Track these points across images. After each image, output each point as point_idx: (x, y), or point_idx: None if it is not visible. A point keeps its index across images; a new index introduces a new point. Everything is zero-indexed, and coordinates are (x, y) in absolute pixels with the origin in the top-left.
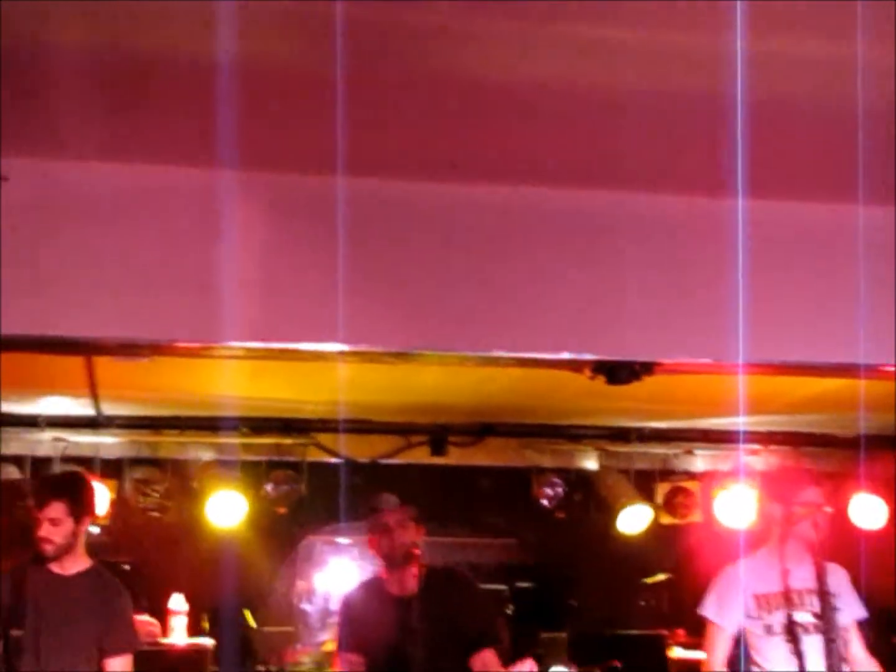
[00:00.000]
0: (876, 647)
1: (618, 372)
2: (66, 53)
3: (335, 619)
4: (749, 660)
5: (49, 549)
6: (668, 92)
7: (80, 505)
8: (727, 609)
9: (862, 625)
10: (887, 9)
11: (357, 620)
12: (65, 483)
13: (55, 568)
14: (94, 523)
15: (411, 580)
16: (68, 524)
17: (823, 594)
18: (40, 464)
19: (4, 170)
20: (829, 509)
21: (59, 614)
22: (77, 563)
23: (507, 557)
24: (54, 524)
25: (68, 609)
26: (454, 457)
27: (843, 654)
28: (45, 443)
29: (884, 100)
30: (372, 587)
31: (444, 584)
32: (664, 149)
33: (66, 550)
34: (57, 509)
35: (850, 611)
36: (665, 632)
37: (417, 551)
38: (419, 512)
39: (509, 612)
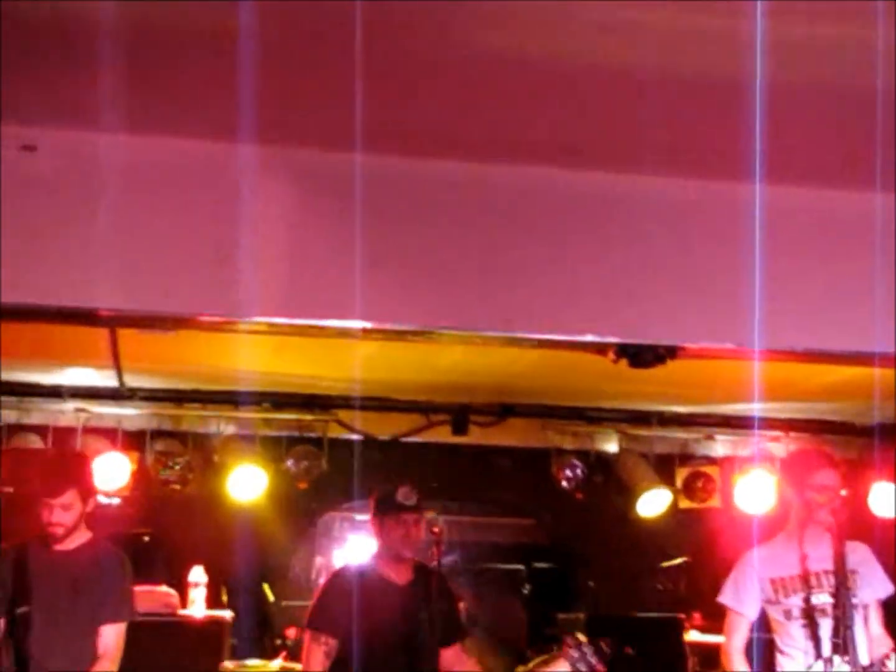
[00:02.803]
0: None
1: (641, 355)
2: (91, 26)
3: None
4: (771, 644)
5: (60, 532)
6: (689, 74)
7: (87, 487)
8: (745, 595)
9: (886, 602)
10: None
11: (345, 600)
12: (74, 468)
13: (56, 544)
14: (106, 496)
15: (408, 570)
16: (77, 508)
17: (840, 574)
18: (63, 434)
19: (33, 140)
20: (844, 492)
21: (63, 588)
22: (78, 538)
23: (526, 538)
24: (65, 509)
25: (71, 582)
26: (475, 436)
27: (855, 635)
28: (67, 413)
29: None
30: (366, 567)
31: (430, 579)
32: (686, 131)
33: (72, 531)
34: (69, 496)
35: (873, 588)
36: (682, 615)
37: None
38: (440, 493)
39: (526, 591)
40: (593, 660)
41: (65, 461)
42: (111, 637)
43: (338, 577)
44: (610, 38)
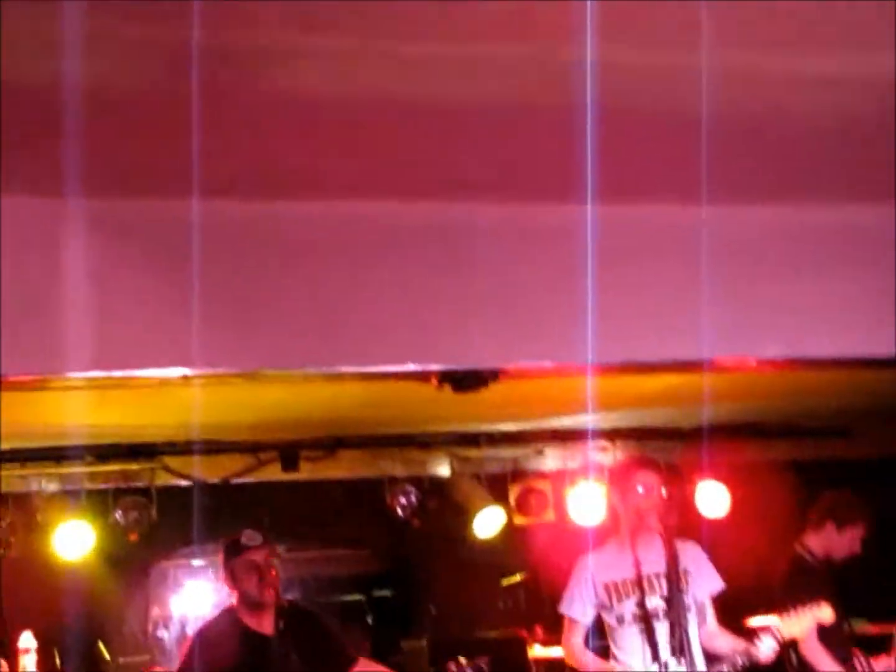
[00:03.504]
0: (729, 628)
1: (464, 381)
2: None
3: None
4: (607, 651)
5: None
6: (505, 101)
7: None
8: (579, 601)
9: (718, 598)
10: (728, 18)
11: (214, 657)
12: None
13: None
14: None
15: (269, 616)
16: None
17: (672, 576)
18: None
19: None
20: (665, 492)
21: None
22: None
23: (365, 568)
24: None
25: None
26: (306, 471)
27: (690, 636)
28: None
29: (725, 104)
30: (230, 622)
31: (298, 619)
32: (508, 155)
33: None
34: None
35: (706, 585)
36: (524, 632)
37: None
38: (275, 531)
39: (369, 621)
40: None
41: None
42: None
43: (200, 637)
44: (426, 70)
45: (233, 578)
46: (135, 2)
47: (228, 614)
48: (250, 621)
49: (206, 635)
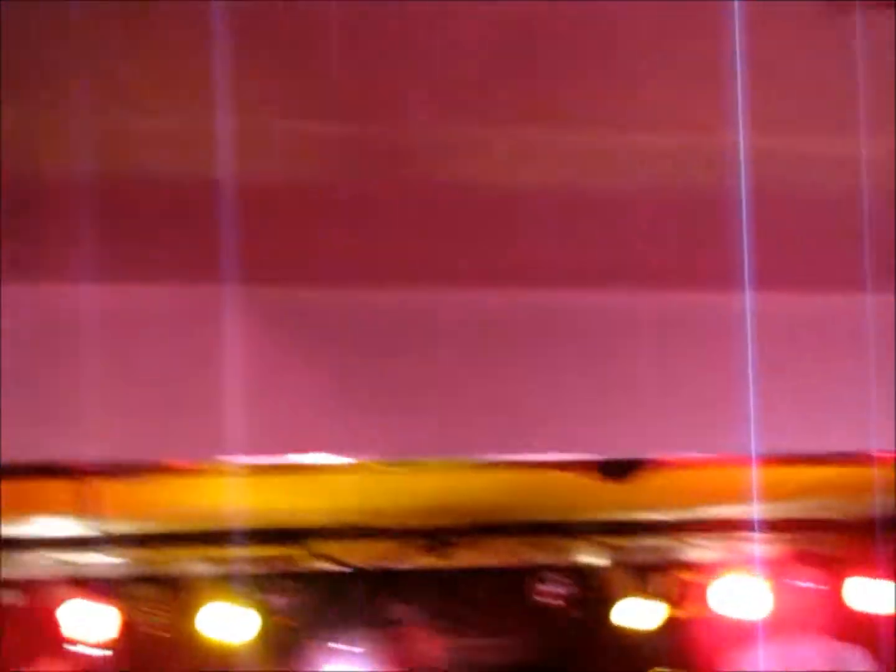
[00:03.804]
0: None
1: (613, 469)
2: (62, 177)
3: None
4: None
5: None
6: (666, 190)
7: (56, 652)
8: None
9: None
10: (887, 105)
11: None
12: (42, 637)
13: None
14: (89, 647)
15: None
16: None
17: None
18: (40, 586)
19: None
20: (824, 588)
21: None
22: None
23: (515, 657)
24: None
25: None
26: (455, 559)
27: None
28: (44, 565)
29: (885, 191)
30: None
31: None
32: (665, 245)
33: None
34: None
35: None
36: None
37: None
38: (424, 617)
39: None
40: None
41: (33, 629)
42: None
43: None
44: (585, 161)
45: (389, 653)
46: (289, 97)
47: None
48: None
49: None
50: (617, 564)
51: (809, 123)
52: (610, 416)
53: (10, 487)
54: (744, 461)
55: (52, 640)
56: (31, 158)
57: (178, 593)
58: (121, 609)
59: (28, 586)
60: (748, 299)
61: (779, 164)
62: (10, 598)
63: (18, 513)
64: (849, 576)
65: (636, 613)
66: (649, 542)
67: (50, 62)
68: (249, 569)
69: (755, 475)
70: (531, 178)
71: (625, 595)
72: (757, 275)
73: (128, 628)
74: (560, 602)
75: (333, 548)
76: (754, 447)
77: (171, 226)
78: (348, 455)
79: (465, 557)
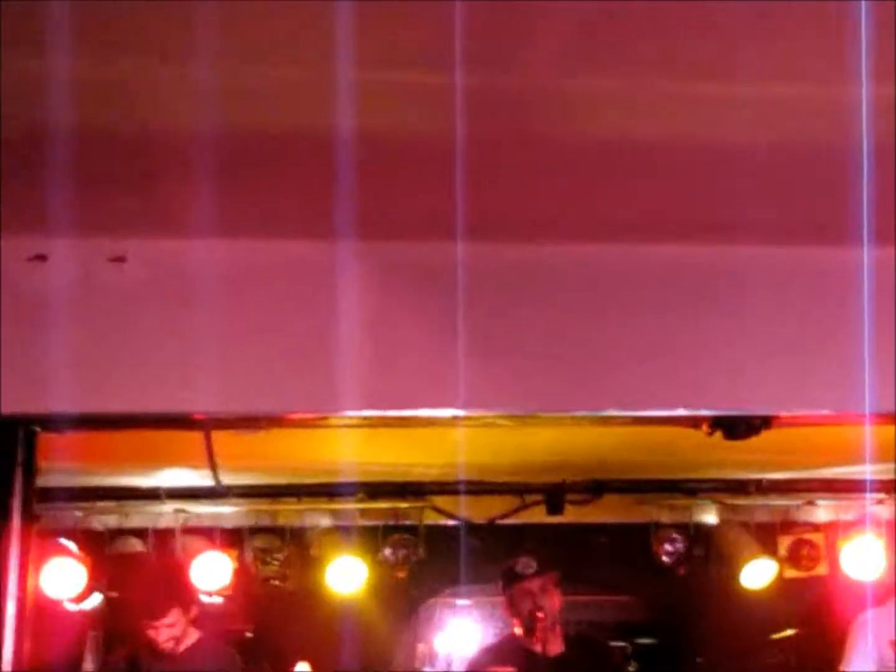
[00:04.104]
0: None
1: (735, 427)
2: (180, 130)
3: None
4: None
5: (170, 646)
6: (784, 142)
7: (188, 600)
8: (861, 659)
9: None
10: None
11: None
12: (174, 586)
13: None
14: (208, 595)
15: (555, 643)
16: (181, 622)
17: None
18: (162, 535)
19: (124, 250)
20: None
21: None
22: (186, 640)
23: (628, 615)
24: (170, 627)
25: None
26: (570, 515)
27: None
28: (166, 515)
29: None
30: (510, 646)
31: (583, 648)
32: (782, 199)
33: (181, 640)
34: (172, 615)
35: None
36: None
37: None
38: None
39: (632, 670)
40: None
41: (165, 580)
42: None
43: (482, 653)
44: (701, 113)
45: (511, 605)
46: (402, 48)
47: (511, 638)
48: (528, 643)
49: (489, 652)
50: (735, 523)
51: None
52: (731, 373)
53: (135, 438)
54: (858, 419)
55: (175, 588)
56: (153, 111)
57: (294, 544)
58: (239, 559)
59: (152, 536)
60: (866, 254)
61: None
62: (135, 546)
63: (144, 464)
64: None
65: (755, 573)
66: (769, 501)
67: (174, 15)
68: (366, 522)
69: (868, 433)
70: (649, 130)
71: (743, 555)
72: (873, 228)
73: (243, 577)
74: (678, 560)
75: (449, 502)
76: (868, 405)
77: (290, 179)
78: (464, 409)
79: (583, 514)
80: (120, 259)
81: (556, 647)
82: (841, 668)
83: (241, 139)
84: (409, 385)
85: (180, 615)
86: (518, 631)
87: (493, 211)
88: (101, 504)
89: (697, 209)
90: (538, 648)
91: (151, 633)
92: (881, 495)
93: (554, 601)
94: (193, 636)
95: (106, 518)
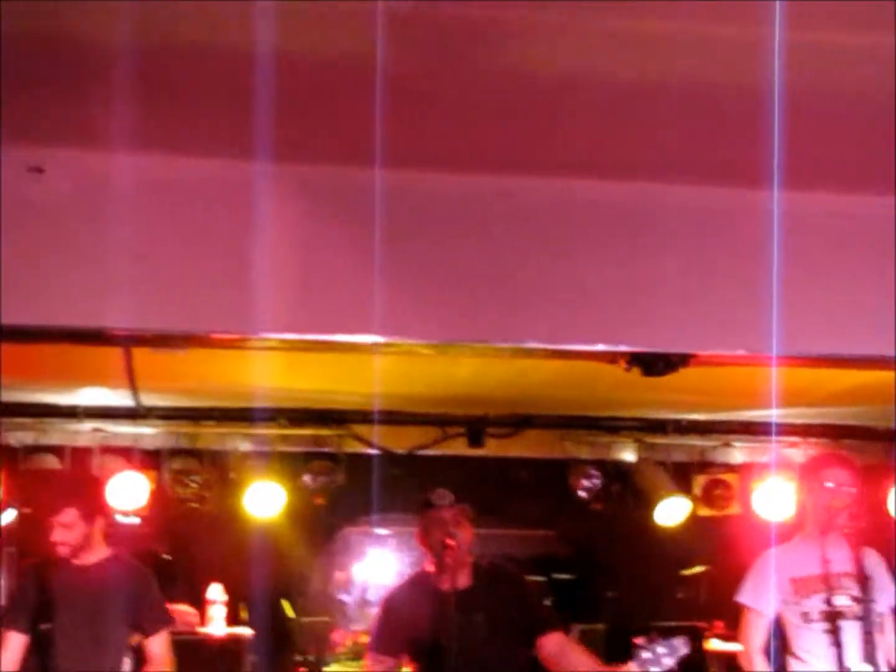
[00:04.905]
0: None
1: (653, 364)
2: (103, 45)
3: (373, 610)
4: (787, 651)
5: (63, 550)
6: (704, 83)
7: (91, 507)
8: (763, 593)
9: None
10: None
11: (402, 618)
12: (74, 487)
13: (74, 560)
14: (124, 515)
15: (464, 575)
16: (80, 527)
17: (862, 577)
18: (80, 454)
19: (41, 161)
20: (855, 492)
21: (85, 603)
22: (95, 554)
23: (545, 549)
24: (67, 528)
25: (93, 597)
26: (491, 448)
27: (879, 642)
28: (84, 433)
29: None
30: (419, 583)
31: (493, 578)
32: (699, 140)
33: (80, 549)
34: (68, 514)
35: (886, 597)
36: (703, 624)
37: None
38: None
39: (548, 603)
40: (668, 661)
41: (67, 480)
42: (159, 647)
43: (392, 592)
44: (627, 50)
45: (423, 535)
46: None
47: (419, 576)
48: (439, 580)
49: (394, 600)
50: (652, 462)
51: (845, 18)
52: (648, 310)
53: (53, 354)
54: (769, 361)
55: (76, 490)
56: (78, 21)
57: (213, 467)
58: (157, 480)
59: (69, 454)
60: (775, 196)
61: (812, 59)
62: (50, 463)
63: (63, 381)
64: (880, 483)
65: (669, 511)
66: (686, 441)
67: None
68: (286, 448)
69: (779, 376)
70: (571, 65)
71: (659, 492)
72: (788, 173)
73: (161, 498)
74: (595, 497)
75: (370, 431)
76: (776, 348)
77: (210, 97)
78: (381, 336)
79: (504, 448)
80: (38, 170)
81: (465, 581)
82: (740, 599)
83: (165, 54)
84: (327, 309)
85: (78, 518)
86: (429, 568)
87: (414, 139)
88: (17, 420)
89: (618, 147)
90: (446, 586)
91: (51, 532)
92: (794, 439)
93: (466, 534)
94: (104, 552)
95: (22, 434)
